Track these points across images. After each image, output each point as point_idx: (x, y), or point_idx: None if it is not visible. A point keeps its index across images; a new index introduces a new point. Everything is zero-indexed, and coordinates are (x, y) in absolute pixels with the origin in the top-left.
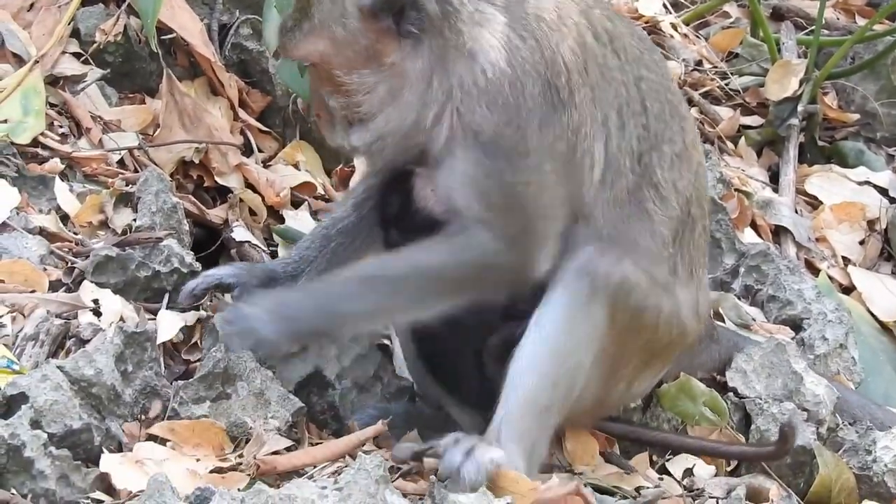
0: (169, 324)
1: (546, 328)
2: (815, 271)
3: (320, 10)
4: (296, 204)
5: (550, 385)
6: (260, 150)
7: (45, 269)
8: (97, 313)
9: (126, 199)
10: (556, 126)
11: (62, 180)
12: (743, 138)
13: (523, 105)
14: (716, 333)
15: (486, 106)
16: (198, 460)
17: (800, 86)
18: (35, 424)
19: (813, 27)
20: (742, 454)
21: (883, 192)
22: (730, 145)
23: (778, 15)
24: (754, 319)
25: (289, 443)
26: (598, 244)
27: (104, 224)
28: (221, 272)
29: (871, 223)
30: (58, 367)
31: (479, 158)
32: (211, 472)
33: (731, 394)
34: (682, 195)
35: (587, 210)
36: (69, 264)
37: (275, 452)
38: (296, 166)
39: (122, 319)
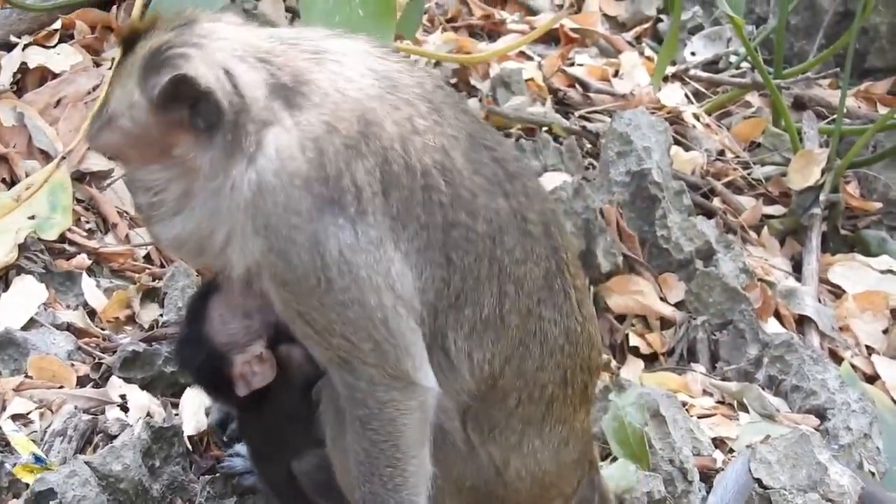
0: (194, 414)
1: None
2: (838, 360)
3: (112, 100)
4: None
5: None
6: None
7: (72, 365)
8: (124, 408)
9: (153, 295)
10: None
11: (89, 276)
12: (766, 228)
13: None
14: None
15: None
16: None
17: (822, 175)
18: None
19: (834, 116)
20: None
21: None
22: (753, 235)
23: (800, 104)
24: (778, 410)
25: None
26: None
27: (131, 319)
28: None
29: (894, 312)
30: (86, 463)
31: (292, 299)
32: None
33: (755, 484)
34: (479, 368)
35: None
36: (96, 360)
37: None
38: None
39: (148, 414)
